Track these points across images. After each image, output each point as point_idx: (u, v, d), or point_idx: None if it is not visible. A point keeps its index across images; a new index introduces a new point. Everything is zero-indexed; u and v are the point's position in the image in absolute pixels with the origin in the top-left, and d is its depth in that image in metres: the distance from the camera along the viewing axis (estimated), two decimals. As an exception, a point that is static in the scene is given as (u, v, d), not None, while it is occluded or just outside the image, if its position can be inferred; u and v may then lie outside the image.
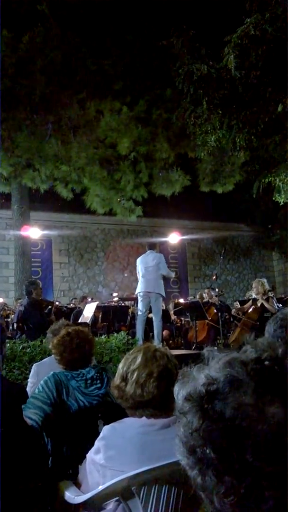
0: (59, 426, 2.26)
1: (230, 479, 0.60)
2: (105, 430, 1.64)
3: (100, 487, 1.53)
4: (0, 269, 14.68)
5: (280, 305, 8.19)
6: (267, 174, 9.86)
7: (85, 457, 1.76)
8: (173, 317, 10.33)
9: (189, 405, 0.66)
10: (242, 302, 8.95)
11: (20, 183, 11.35)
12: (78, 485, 1.92)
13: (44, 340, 5.15)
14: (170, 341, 9.74)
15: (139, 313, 7.12)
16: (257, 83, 8.02)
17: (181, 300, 12.08)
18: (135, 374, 1.63)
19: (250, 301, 7.69)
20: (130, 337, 6.24)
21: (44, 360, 3.54)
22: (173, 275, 7.66)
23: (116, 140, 10.50)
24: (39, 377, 2.93)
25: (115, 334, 6.23)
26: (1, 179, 11.19)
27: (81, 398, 2.31)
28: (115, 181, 11.28)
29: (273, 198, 10.53)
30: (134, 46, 10.47)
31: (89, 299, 10.37)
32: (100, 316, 8.83)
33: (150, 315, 7.21)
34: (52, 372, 2.40)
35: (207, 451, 0.62)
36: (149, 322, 7.34)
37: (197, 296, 10.76)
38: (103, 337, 6.39)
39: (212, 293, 9.85)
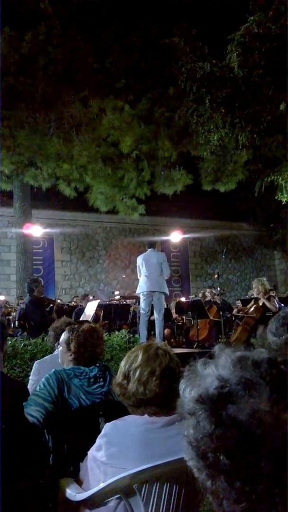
0: (60, 423, 2.26)
1: (242, 485, 0.59)
2: (107, 427, 1.64)
3: (101, 485, 1.52)
4: (2, 267, 14.68)
5: (282, 304, 8.19)
6: (270, 173, 9.85)
7: (86, 454, 1.76)
8: (174, 315, 10.32)
9: (201, 408, 0.65)
10: (244, 301, 8.94)
11: (22, 181, 11.36)
12: (79, 482, 1.92)
13: (45, 338, 5.16)
14: (172, 340, 9.73)
15: (142, 312, 7.07)
16: (260, 82, 8.00)
17: (183, 299, 12.07)
18: (137, 372, 1.63)
19: (252, 300, 7.68)
20: (131, 335, 6.24)
21: (45, 357, 3.54)
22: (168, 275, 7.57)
23: (118, 139, 10.49)
24: (40, 374, 2.93)
25: (117, 332, 6.23)
26: (3, 177, 11.19)
27: (83, 397, 2.31)
28: (118, 179, 11.28)
29: (276, 197, 10.52)
30: (137, 45, 10.46)
31: (91, 297, 10.37)
32: (102, 314, 8.82)
33: (152, 317, 7.20)
34: (53, 370, 2.40)
35: (220, 457, 0.60)
36: (150, 322, 7.32)
37: (200, 295, 10.76)
38: (104, 335, 6.38)
39: (214, 292, 9.85)
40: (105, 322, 8.90)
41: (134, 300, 9.85)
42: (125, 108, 10.26)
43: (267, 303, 7.07)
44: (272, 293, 7.75)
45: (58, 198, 13.17)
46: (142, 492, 1.47)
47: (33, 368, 3.31)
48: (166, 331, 8.86)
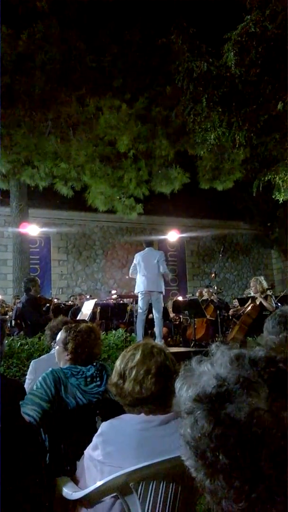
0: (57, 422, 2.26)
1: (241, 484, 0.59)
2: (103, 426, 1.64)
3: (98, 483, 1.53)
4: (-2, 266, 14.68)
5: (279, 304, 8.20)
6: (267, 172, 9.85)
7: (83, 453, 1.76)
8: (171, 314, 10.33)
9: (199, 407, 0.64)
10: (241, 300, 8.95)
11: (19, 180, 11.33)
12: (76, 481, 1.92)
13: (42, 337, 5.15)
14: (169, 339, 9.74)
15: (140, 311, 7.08)
16: (257, 81, 8.01)
17: (180, 298, 12.08)
18: (133, 372, 1.63)
19: (249, 299, 7.69)
20: (128, 334, 6.24)
21: (42, 356, 3.54)
22: (169, 276, 7.58)
23: (116, 138, 10.47)
24: (37, 373, 2.93)
25: (114, 332, 6.22)
26: (0, 176, 11.16)
27: (80, 396, 2.31)
28: (117, 178, 11.26)
29: (273, 196, 10.53)
30: (134, 43, 10.44)
31: (87, 296, 10.36)
32: (98, 313, 8.82)
33: (150, 316, 7.19)
34: (50, 369, 2.39)
35: (220, 456, 0.60)
36: (147, 321, 7.32)
37: (197, 294, 10.77)
38: (101, 334, 6.37)
39: (211, 291, 9.86)
40: (102, 321, 8.91)
41: (131, 299, 9.85)
42: (122, 107, 10.24)
43: (264, 302, 7.08)
44: (269, 292, 7.76)
45: (55, 197, 13.14)
46: (139, 491, 1.47)
47: (30, 367, 3.30)
48: (163, 330, 8.87)
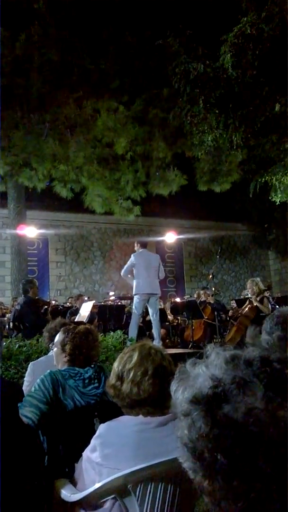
0: (55, 424, 2.26)
1: (240, 484, 0.59)
2: (101, 428, 1.64)
3: (96, 485, 1.53)
4: (-4, 268, 14.65)
5: (276, 305, 8.23)
6: (264, 173, 9.87)
7: (81, 455, 1.76)
8: (169, 316, 10.33)
9: (195, 408, 0.64)
10: (238, 301, 8.97)
11: (17, 182, 11.32)
12: (74, 483, 1.92)
13: (40, 339, 5.14)
14: (167, 340, 9.74)
15: (135, 312, 7.06)
16: (254, 82, 8.02)
17: (178, 299, 12.08)
18: (131, 373, 1.63)
19: (247, 300, 7.71)
20: (126, 336, 6.23)
21: (40, 358, 3.54)
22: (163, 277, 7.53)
23: (113, 140, 10.48)
24: (35, 375, 2.92)
25: (112, 333, 6.21)
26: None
27: (78, 398, 2.31)
28: (114, 180, 11.27)
29: (270, 198, 10.54)
30: (131, 45, 10.46)
31: (86, 298, 10.35)
32: (96, 315, 8.81)
33: (147, 318, 7.18)
34: (48, 371, 2.39)
35: (218, 457, 0.60)
36: (144, 322, 7.31)
37: (195, 295, 10.78)
38: (99, 336, 6.36)
39: (208, 293, 9.87)
40: (99, 323, 8.89)
41: (129, 301, 9.84)
42: (119, 109, 10.25)
43: (259, 306, 7.09)
44: (266, 294, 7.78)
45: (52, 199, 13.13)
46: (137, 492, 1.48)
47: (28, 369, 3.30)
48: (162, 331, 8.88)
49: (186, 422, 0.65)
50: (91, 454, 1.61)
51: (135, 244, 7.42)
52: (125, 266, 7.19)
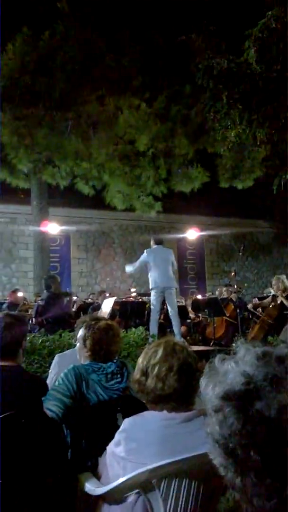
0: (78, 418, 2.28)
1: (273, 482, 0.59)
2: (126, 423, 1.65)
3: (121, 479, 1.53)
4: (19, 264, 14.84)
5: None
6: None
7: (104, 449, 1.77)
8: (191, 313, 10.28)
9: (227, 405, 0.64)
10: (260, 299, 8.87)
11: (40, 179, 11.45)
12: (97, 477, 1.94)
13: (63, 334, 5.21)
14: (188, 337, 9.70)
15: (154, 309, 7.14)
16: (278, 77, 7.90)
17: (199, 296, 12.02)
18: (156, 368, 1.63)
19: (270, 297, 7.61)
20: (148, 332, 6.26)
21: (66, 351, 3.59)
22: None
23: (135, 137, 10.49)
24: (60, 368, 2.96)
25: (133, 329, 6.24)
26: (21, 175, 11.30)
27: (101, 392, 2.33)
28: (135, 177, 11.28)
29: (293, 194, 10.36)
30: (153, 42, 10.43)
31: (107, 294, 10.40)
32: (118, 311, 8.83)
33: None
34: (72, 365, 2.42)
35: (251, 453, 0.60)
36: (165, 319, 7.33)
37: (217, 292, 10.71)
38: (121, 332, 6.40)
39: (231, 290, 9.79)
40: (120, 319, 8.92)
41: (149, 298, 9.85)
42: (141, 106, 10.24)
43: (285, 302, 7.00)
44: (290, 292, 7.67)
45: (74, 196, 13.23)
46: (161, 488, 1.48)
47: (54, 361, 3.34)
48: (183, 328, 8.85)
49: (217, 418, 0.65)
50: (115, 448, 1.62)
51: (151, 241, 7.65)
52: (136, 263, 7.40)
